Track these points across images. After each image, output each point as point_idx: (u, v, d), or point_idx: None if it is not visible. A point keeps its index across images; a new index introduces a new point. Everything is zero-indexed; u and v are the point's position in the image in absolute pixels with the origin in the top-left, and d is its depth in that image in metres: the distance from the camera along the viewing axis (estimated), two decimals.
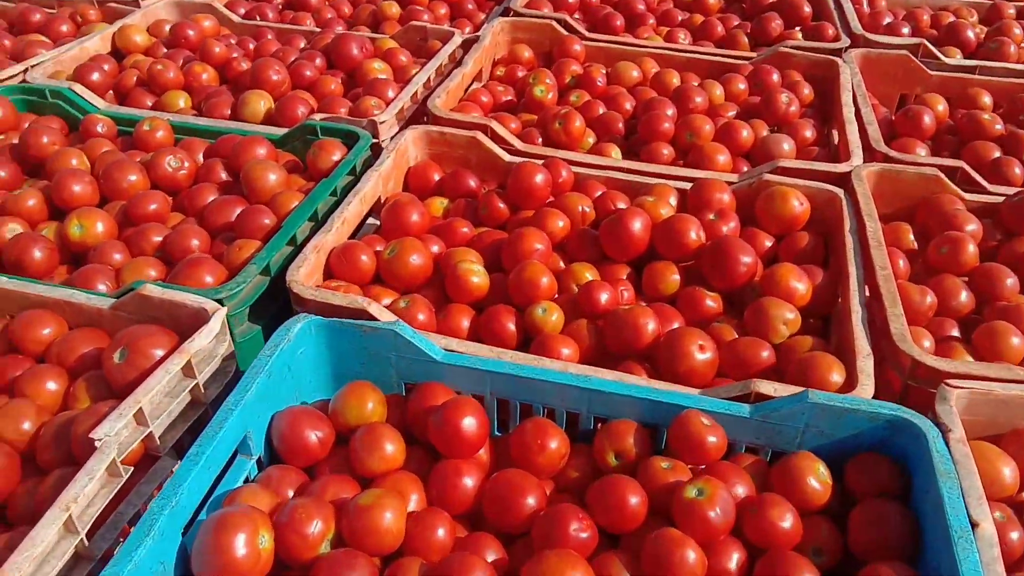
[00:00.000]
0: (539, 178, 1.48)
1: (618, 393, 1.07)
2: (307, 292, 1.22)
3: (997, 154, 1.65)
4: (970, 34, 2.12)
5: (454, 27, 2.30)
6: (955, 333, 1.27)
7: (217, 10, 2.25)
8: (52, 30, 2.22)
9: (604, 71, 1.96)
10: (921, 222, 1.48)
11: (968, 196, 1.49)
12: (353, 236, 1.47)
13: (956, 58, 2.04)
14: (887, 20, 2.27)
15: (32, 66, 1.91)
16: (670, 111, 1.73)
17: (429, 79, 1.87)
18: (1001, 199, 1.47)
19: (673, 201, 1.49)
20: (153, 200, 1.47)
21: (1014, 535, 0.94)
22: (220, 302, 1.19)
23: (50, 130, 1.64)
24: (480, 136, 1.63)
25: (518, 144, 1.66)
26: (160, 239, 1.41)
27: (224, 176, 1.58)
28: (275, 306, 1.33)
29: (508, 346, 1.27)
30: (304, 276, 1.27)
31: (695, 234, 1.34)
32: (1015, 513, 0.98)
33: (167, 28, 2.18)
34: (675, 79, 1.90)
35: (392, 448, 1.05)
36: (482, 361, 1.12)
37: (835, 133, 1.82)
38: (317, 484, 1.02)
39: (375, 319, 1.19)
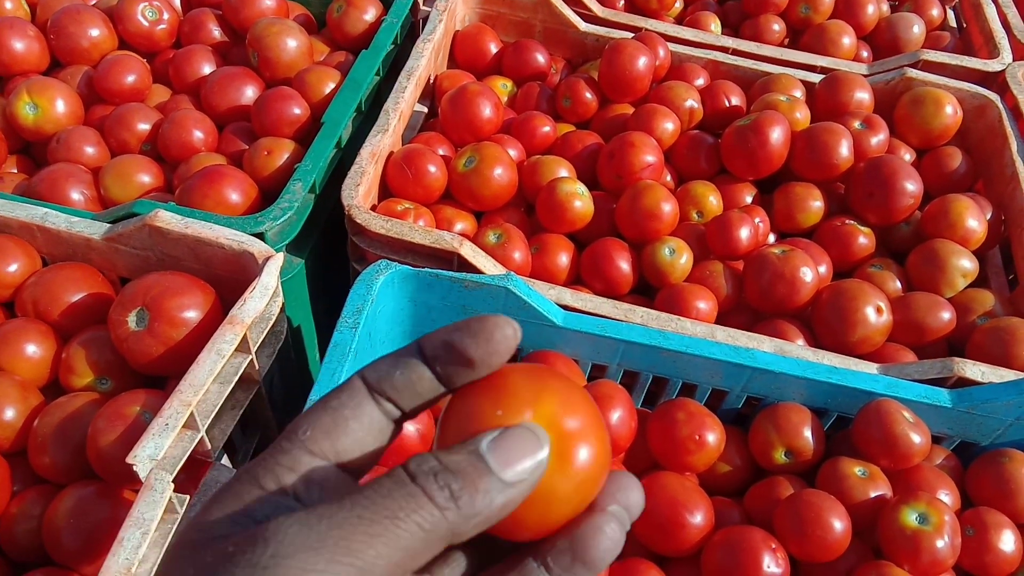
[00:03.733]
0: (642, 62, 1.16)
1: (788, 373, 0.85)
2: (375, 222, 0.92)
3: None
4: None
5: None
6: None
7: None
8: None
9: None
10: None
11: None
12: None
13: None
14: None
15: None
16: None
17: None
18: None
19: (799, 94, 1.21)
20: (130, 68, 1.09)
21: None
22: (262, 236, 0.88)
23: None
24: None
25: (597, 9, 1.31)
26: (148, 127, 1.05)
27: (217, 34, 1.19)
28: (316, 232, 1.02)
29: (622, 291, 1.02)
30: (363, 196, 0.96)
31: (847, 150, 1.08)
32: None
33: None
34: None
35: None
36: (613, 327, 0.87)
37: (950, 12, 1.53)
38: None
39: (467, 262, 0.92)
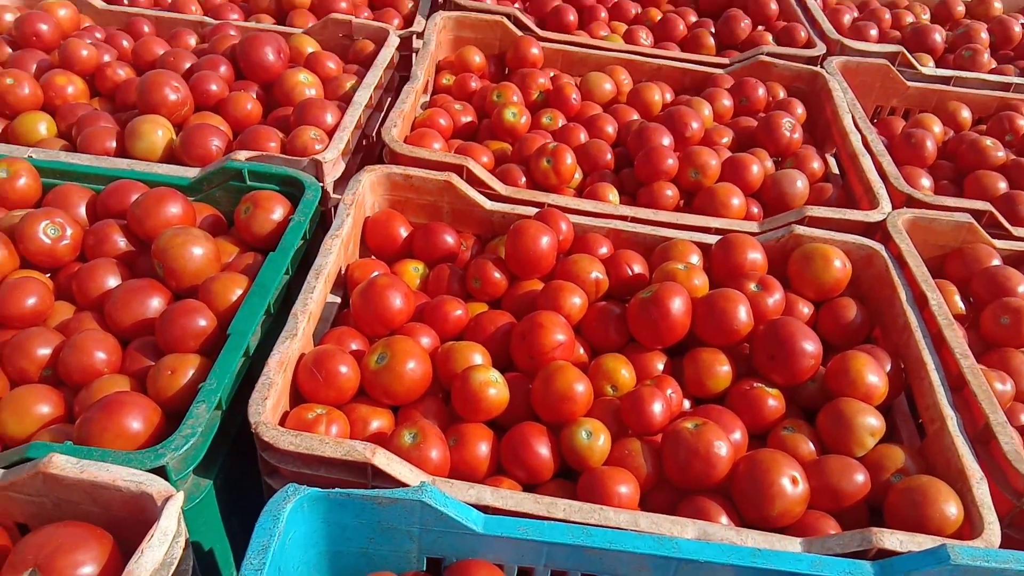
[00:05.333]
0: (545, 241, 1.21)
1: (714, 562, 0.85)
2: (284, 439, 0.90)
3: (1003, 185, 1.54)
4: (938, 38, 2.01)
5: (377, 17, 1.94)
6: None
7: None
8: None
9: (574, 82, 1.69)
10: (957, 278, 1.34)
11: (999, 244, 1.37)
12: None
13: (930, 67, 1.93)
14: (846, 17, 2.12)
15: None
16: (666, 140, 1.49)
17: (371, 98, 1.52)
18: None
19: (696, 260, 1.26)
20: (30, 291, 1.07)
21: None
22: (164, 471, 0.85)
23: None
24: (455, 179, 1.32)
25: (500, 188, 1.37)
26: (48, 351, 1.02)
27: (123, 244, 1.19)
28: (226, 445, 0.99)
29: (544, 478, 1.02)
30: (272, 409, 0.95)
31: (745, 315, 1.13)
32: None
33: (7, 17, 1.68)
34: (655, 95, 1.66)
35: None
36: (536, 528, 0.86)
37: (831, 160, 1.66)
38: None
39: (382, 472, 0.90)
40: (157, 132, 1.37)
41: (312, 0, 1.90)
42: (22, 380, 1.01)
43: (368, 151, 1.58)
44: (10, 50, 1.60)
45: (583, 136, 1.55)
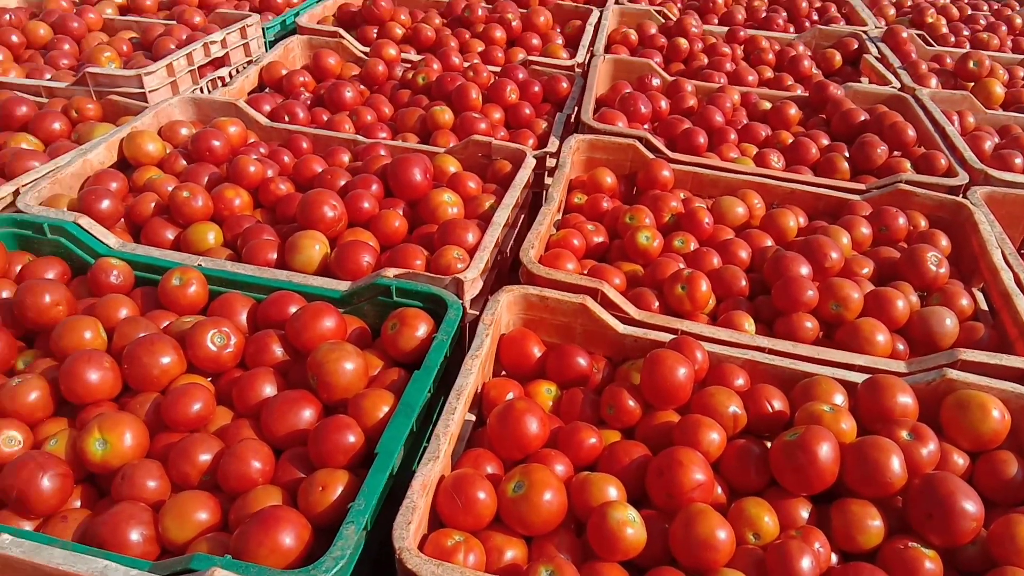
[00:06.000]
0: (682, 373, 1.20)
1: None
2: (426, 568, 0.91)
3: None
4: None
5: (513, 138, 2.04)
6: None
7: (241, 110, 1.94)
8: (42, 128, 1.88)
9: (706, 205, 1.71)
10: None
11: None
12: None
13: None
14: (987, 144, 2.07)
15: (24, 185, 1.58)
16: (805, 270, 1.47)
17: (508, 219, 1.59)
18: None
19: (840, 400, 1.22)
20: (196, 397, 1.14)
21: None
22: None
23: (52, 286, 1.31)
24: (589, 302, 1.35)
25: (633, 312, 1.38)
26: (209, 458, 1.09)
27: (280, 354, 1.26)
28: (366, 564, 1.01)
29: None
30: (415, 534, 0.96)
31: (899, 467, 1.07)
32: None
33: (182, 132, 1.87)
34: (790, 220, 1.65)
35: None
36: None
37: (979, 294, 1.59)
38: None
39: None
40: (315, 247, 1.47)
41: (454, 120, 2.02)
42: (184, 484, 1.07)
43: (502, 266, 1.63)
44: (184, 162, 1.77)
45: (716, 261, 1.55)
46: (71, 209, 1.53)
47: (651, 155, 1.86)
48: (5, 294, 1.37)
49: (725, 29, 2.78)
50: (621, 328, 1.36)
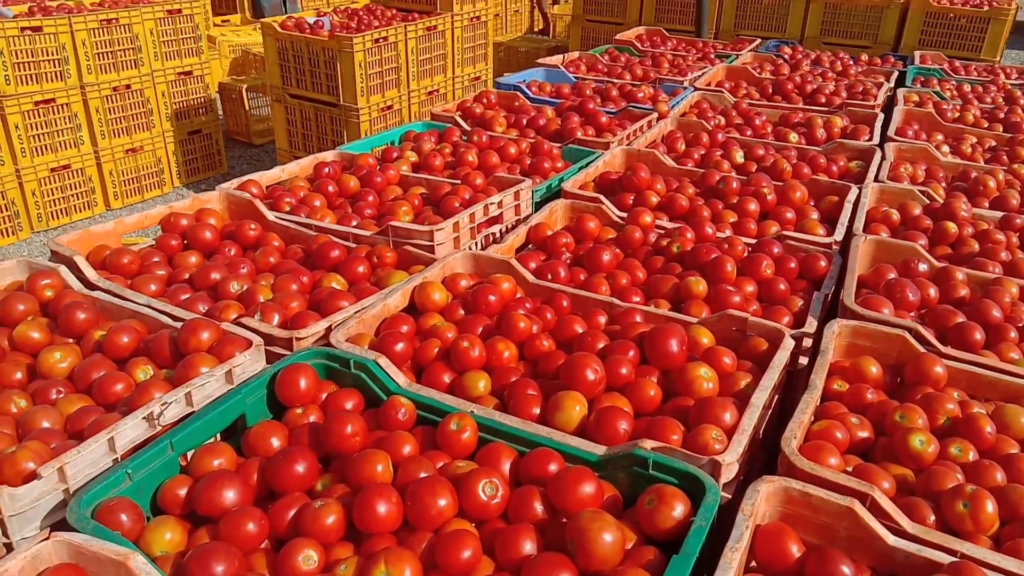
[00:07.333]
0: None
1: None
2: None
3: None
4: None
5: (767, 313, 2.04)
6: None
7: (513, 267, 2.14)
8: (350, 270, 2.20)
9: (986, 411, 1.59)
10: None
11: None
12: None
13: None
14: None
15: (336, 324, 1.85)
16: None
17: (766, 402, 1.58)
18: None
19: None
20: (467, 545, 1.24)
21: None
22: None
23: (354, 418, 1.50)
24: (857, 507, 1.29)
25: (906, 524, 1.30)
26: None
27: (540, 510, 1.34)
28: None
29: None
30: None
31: None
32: None
33: (462, 283, 2.10)
34: None
35: None
36: None
37: None
38: None
39: None
40: (575, 408, 1.56)
41: (708, 291, 2.08)
42: None
43: (754, 451, 1.61)
44: (462, 311, 1.98)
45: (1000, 476, 1.42)
46: (371, 347, 1.77)
47: (921, 348, 1.78)
48: (313, 418, 1.59)
49: (999, 214, 2.63)
50: (891, 540, 1.28)
